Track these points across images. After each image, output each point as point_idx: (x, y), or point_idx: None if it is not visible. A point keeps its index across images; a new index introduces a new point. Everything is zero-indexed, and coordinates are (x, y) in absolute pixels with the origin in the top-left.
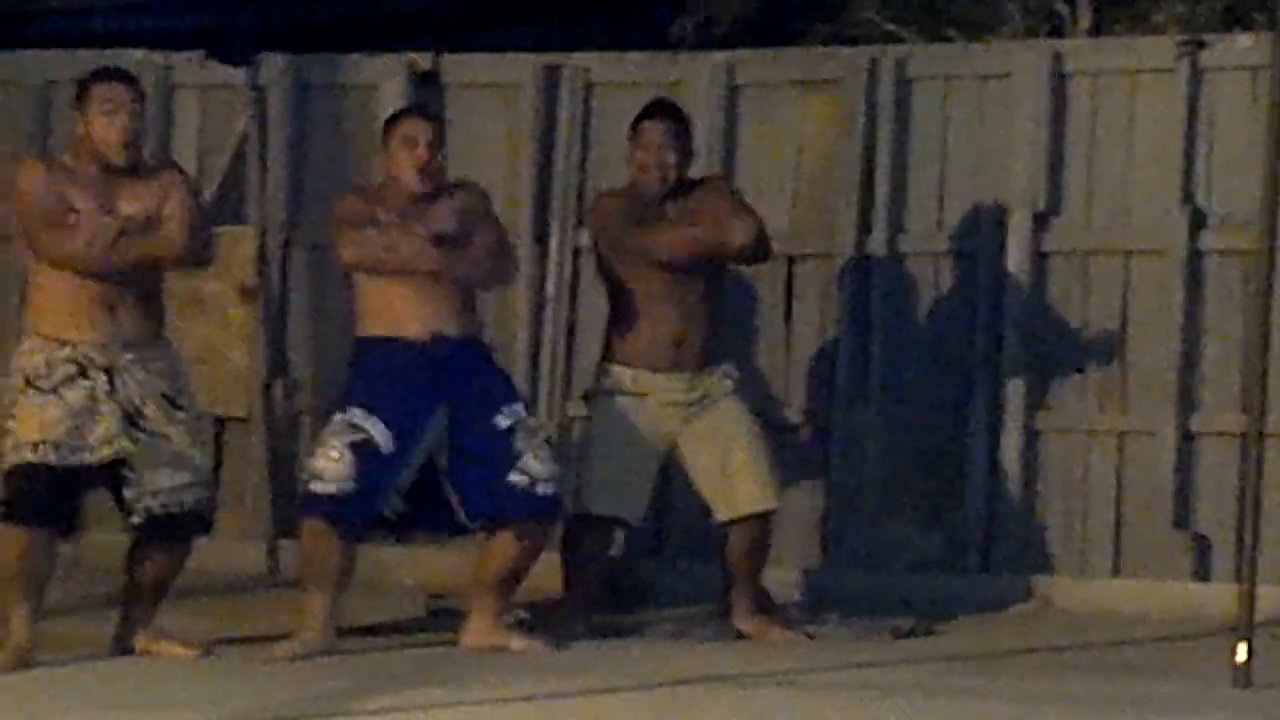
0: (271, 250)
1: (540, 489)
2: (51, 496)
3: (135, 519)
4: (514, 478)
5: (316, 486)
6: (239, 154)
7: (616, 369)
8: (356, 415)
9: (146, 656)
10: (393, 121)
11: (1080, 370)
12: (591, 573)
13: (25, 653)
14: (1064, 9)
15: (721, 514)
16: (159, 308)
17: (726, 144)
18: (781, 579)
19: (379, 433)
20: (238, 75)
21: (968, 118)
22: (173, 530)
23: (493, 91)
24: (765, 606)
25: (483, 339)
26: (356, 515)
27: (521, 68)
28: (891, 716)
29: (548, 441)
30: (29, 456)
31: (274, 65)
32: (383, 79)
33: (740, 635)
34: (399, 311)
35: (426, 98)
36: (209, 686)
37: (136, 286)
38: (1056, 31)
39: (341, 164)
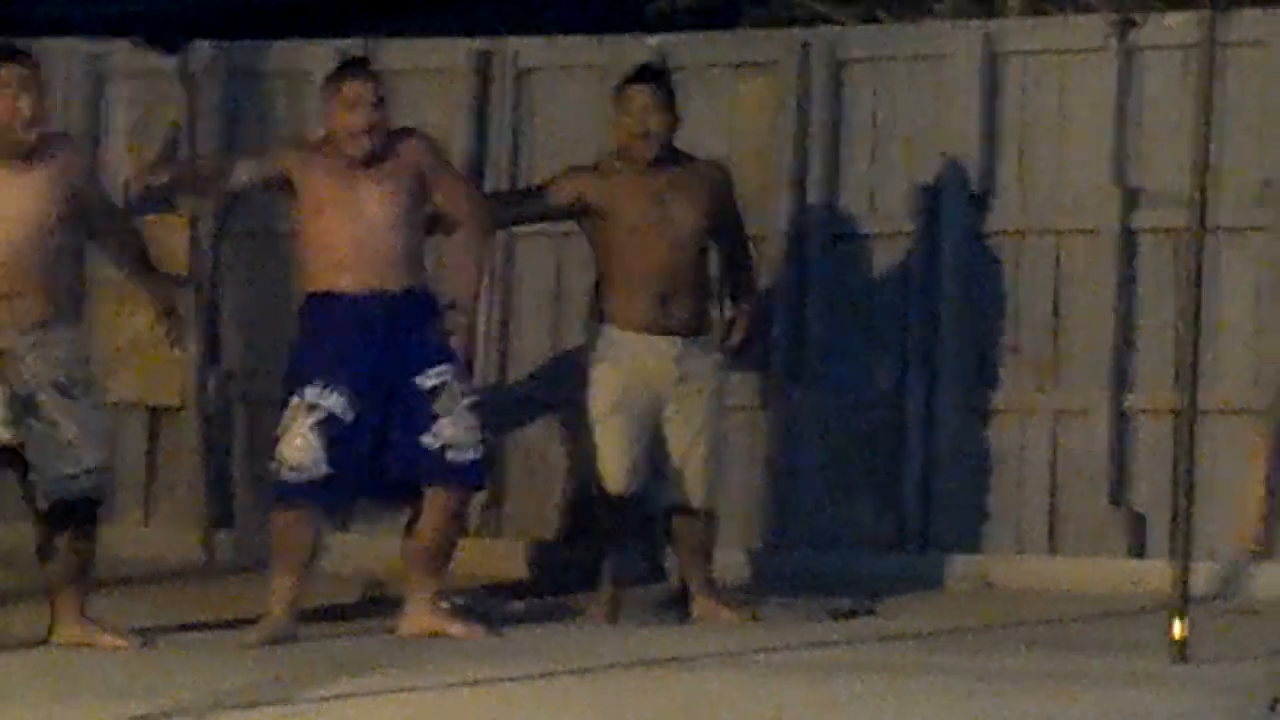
0: (203, 239)
1: (452, 455)
2: None
3: (40, 506)
4: (427, 440)
5: (290, 475)
6: (169, 141)
7: (609, 330)
8: (311, 393)
9: (83, 647)
10: (334, 80)
11: (1016, 350)
12: (617, 553)
13: None
14: None
15: (674, 498)
16: (66, 294)
17: None
18: (725, 560)
19: (338, 405)
20: (169, 62)
21: (901, 99)
22: (69, 518)
23: (426, 76)
24: (714, 588)
25: (429, 292)
26: (333, 497)
27: (455, 52)
28: (834, 695)
29: (474, 409)
30: None
31: (205, 52)
32: (315, 66)
33: (690, 616)
34: (342, 266)
35: None
36: (149, 676)
37: (39, 273)
38: (989, 12)
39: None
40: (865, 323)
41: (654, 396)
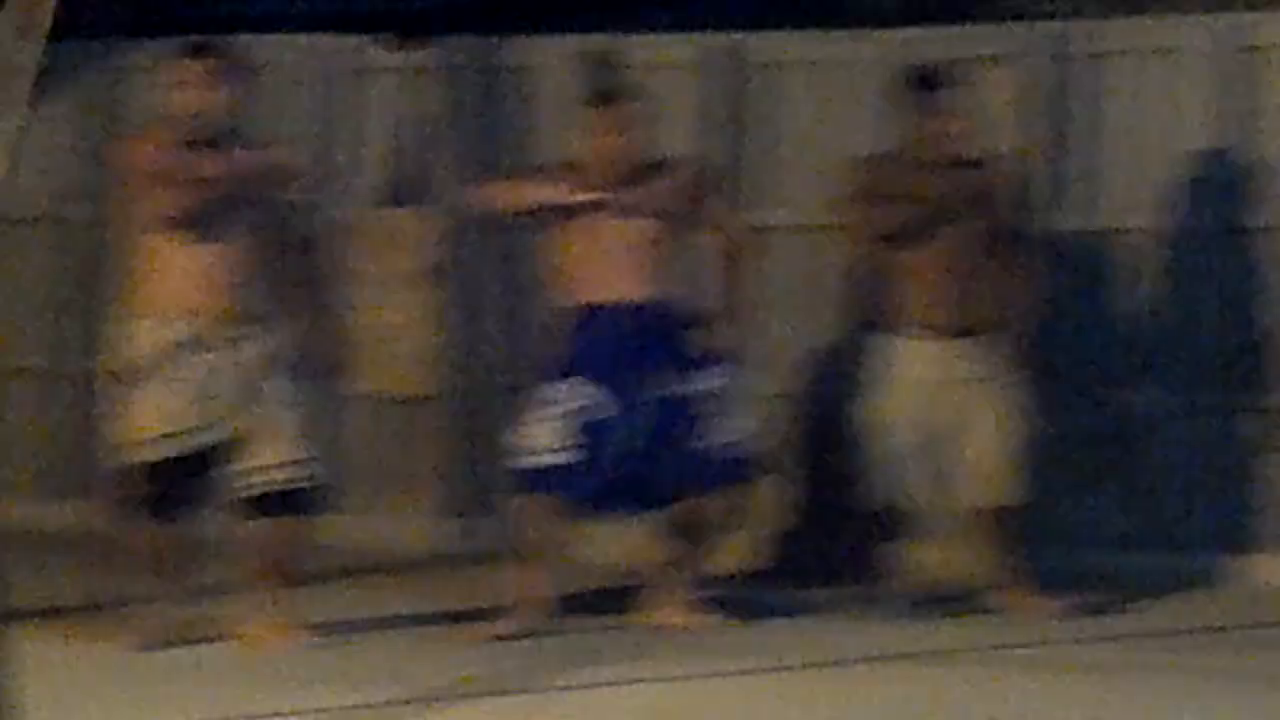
0: (455, 230)
1: (728, 453)
2: (176, 487)
3: (237, 495)
4: (700, 444)
5: (535, 461)
6: (422, 136)
7: (893, 338)
8: (569, 384)
9: (275, 641)
10: (591, 104)
11: (1259, 344)
12: (878, 559)
13: (170, 632)
14: None
15: (979, 498)
16: (280, 280)
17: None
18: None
19: (594, 401)
20: (422, 59)
21: (1134, 93)
22: (279, 510)
23: (661, 72)
24: (1022, 579)
25: (688, 303)
26: (578, 487)
27: (690, 48)
28: (1077, 693)
29: (740, 402)
30: (150, 452)
31: (462, 48)
32: (551, 61)
33: (998, 607)
34: (606, 276)
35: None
36: (395, 664)
37: (258, 265)
38: (1226, 5)
39: (529, 144)
40: (1108, 318)
41: (942, 403)
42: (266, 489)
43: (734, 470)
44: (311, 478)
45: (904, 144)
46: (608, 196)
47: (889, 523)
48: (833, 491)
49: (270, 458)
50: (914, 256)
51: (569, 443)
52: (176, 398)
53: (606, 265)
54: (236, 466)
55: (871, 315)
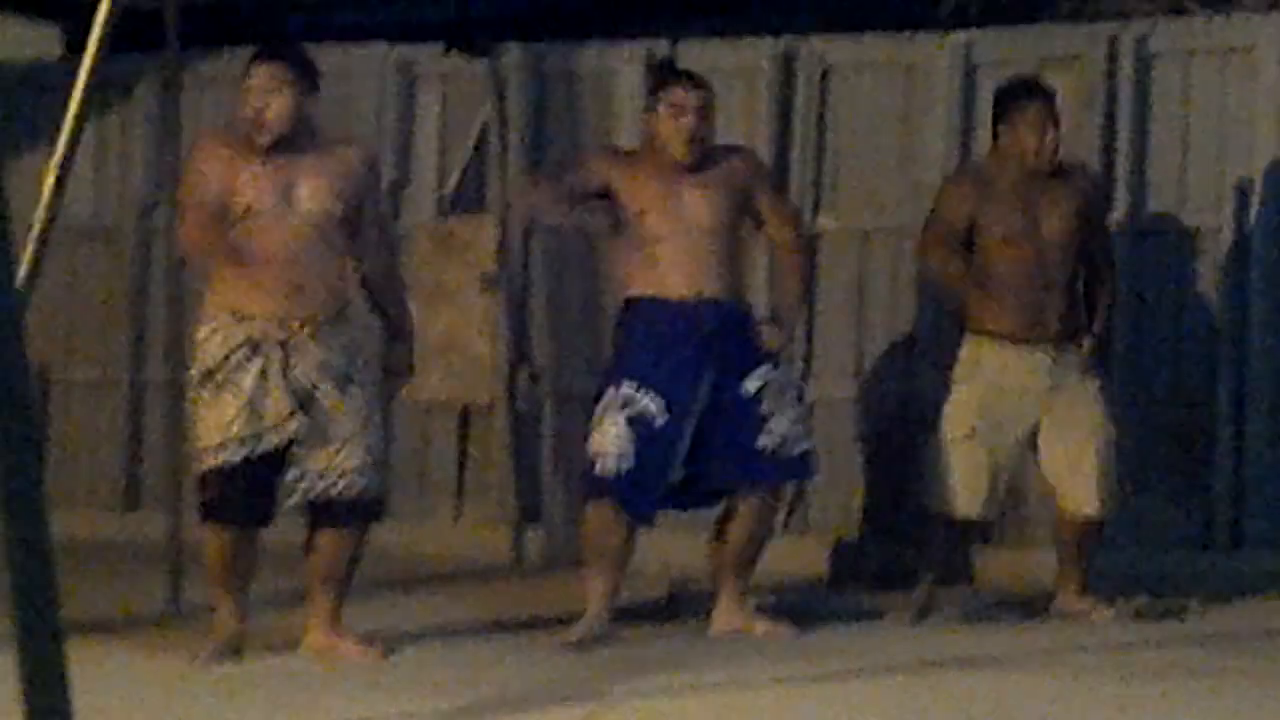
0: (512, 238)
1: (786, 450)
2: (244, 493)
3: (293, 500)
4: (762, 441)
5: (598, 468)
6: (479, 143)
7: (977, 341)
8: (628, 388)
9: (331, 655)
10: (660, 86)
11: None
12: (941, 566)
13: (235, 643)
14: None
15: (1068, 507)
16: (342, 292)
17: (964, 123)
18: (1035, 559)
19: (654, 405)
20: (478, 66)
21: (1209, 91)
22: (338, 516)
23: (730, 76)
24: (1086, 588)
25: (746, 302)
26: (641, 494)
27: (758, 52)
28: (1139, 697)
29: (799, 399)
30: (215, 460)
31: (513, 55)
32: (620, 66)
33: (1064, 615)
34: (664, 271)
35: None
36: (451, 673)
37: (320, 261)
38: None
39: (581, 151)
40: (1172, 318)
41: (1023, 414)
42: (329, 496)
43: (790, 469)
44: (378, 484)
45: (996, 153)
46: (677, 183)
47: (959, 527)
48: (896, 496)
49: (332, 463)
50: (1003, 263)
51: (633, 449)
52: (232, 408)
53: (670, 259)
54: (297, 471)
55: (957, 319)
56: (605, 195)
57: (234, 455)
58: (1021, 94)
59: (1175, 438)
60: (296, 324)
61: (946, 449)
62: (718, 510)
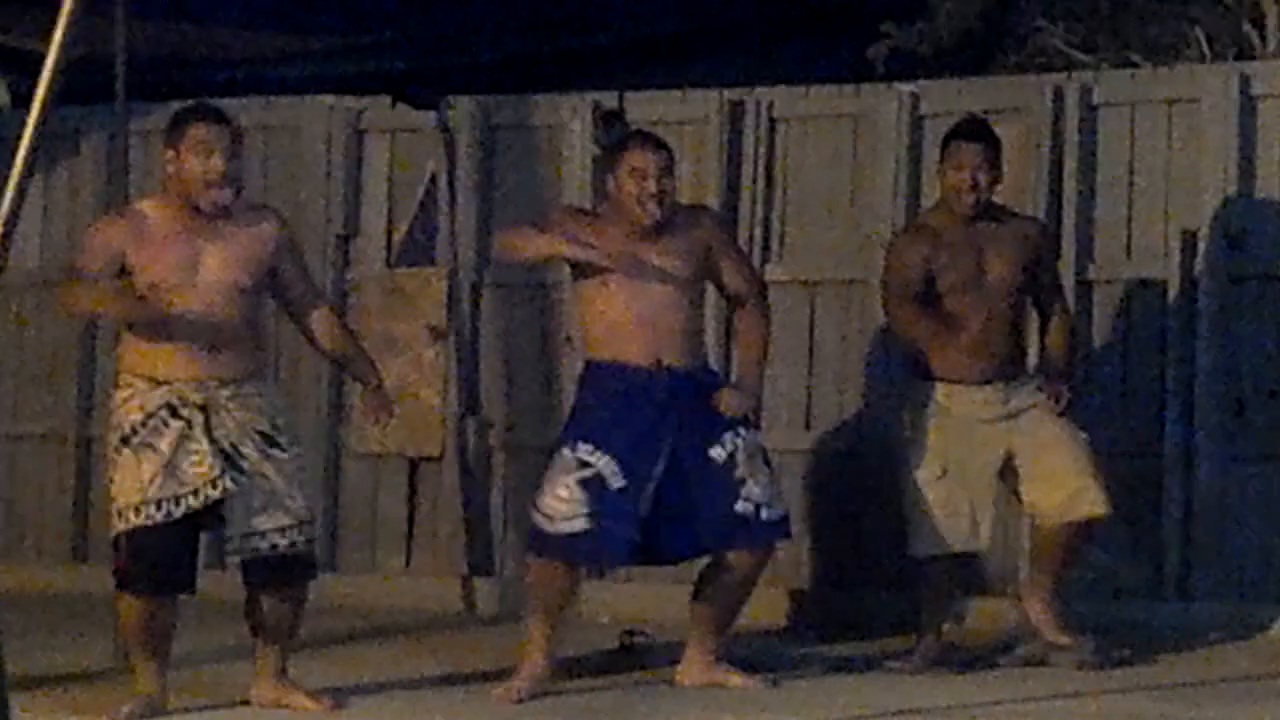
0: (461, 290)
1: (765, 514)
2: (161, 560)
3: (233, 560)
4: (740, 507)
5: (548, 526)
6: (428, 196)
7: (930, 386)
8: (584, 451)
9: (280, 709)
10: (623, 149)
11: (1274, 394)
12: (943, 611)
13: (156, 702)
14: (1251, 31)
15: (1072, 516)
16: (261, 344)
17: (911, 173)
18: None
19: (608, 468)
20: (426, 118)
21: (1155, 142)
22: (275, 575)
23: (678, 128)
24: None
25: (710, 367)
26: (590, 553)
27: (706, 103)
28: None
29: (766, 462)
30: (132, 521)
31: (461, 108)
32: (568, 119)
33: (1062, 648)
34: (626, 336)
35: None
36: None
37: (236, 323)
38: (1243, 54)
39: (529, 204)
40: (1119, 369)
41: (989, 444)
42: (258, 556)
43: (772, 531)
44: (309, 541)
45: (941, 198)
46: (640, 247)
47: (935, 572)
48: (859, 546)
49: (257, 524)
50: (952, 308)
51: (585, 511)
52: (151, 467)
53: (632, 324)
54: (232, 531)
55: (911, 366)
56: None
57: (151, 517)
58: (960, 133)
59: (1124, 488)
60: (215, 384)
61: (923, 493)
62: (688, 566)
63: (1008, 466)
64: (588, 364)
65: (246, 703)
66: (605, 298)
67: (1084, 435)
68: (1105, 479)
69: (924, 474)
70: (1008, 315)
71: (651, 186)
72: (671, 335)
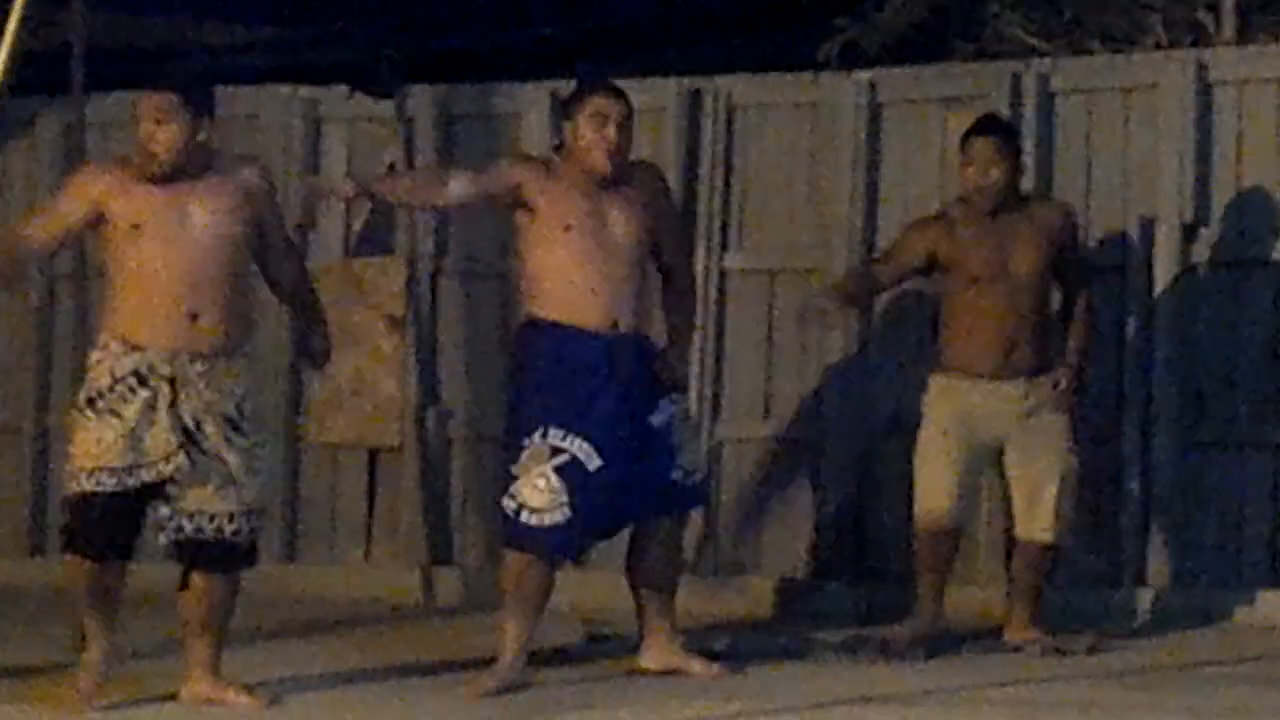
0: (420, 280)
1: (691, 480)
2: (109, 526)
3: (163, 539)
4: (675, 473)
5: (528, 519)
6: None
7: (947, 379)
8: (555, 435)
9: (212, 705)
10: (581, 95)
11: (1233, 382)
12: (937, 589)
13: (107, 662)
14: (1207, 18)
15: (1021, 533)
16: (242, 321)
17: (870, 161)
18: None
19: (581, 450)
20: (385, 108)
21: (1112, 130)
22: (214, 559)
23: (637, 115)
24: (1036, 621)
25: (651, 336)
26: (570, 543)
27: (664, 92)
28: None
29: (697, 429)
30: (85, 485)
31: (420, 97)
32: (527, 108)
33: (1016, 649)
34: (580, 294)
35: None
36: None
37: (217, 287)
38: (1200, 41)
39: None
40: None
41: (993, 426)
42: (199, 538)
43: (695, 496)
44: (253, 531)
45: (961, 192)
46: (597, 199)
47: (931, 547)
48: (816, 535)
49: (206, 505)
50: (973, 301)
51: (567, 500)
52: (111, 434)
53: (588, 281)
54: (168, 510)
55: (934, 359)
56: (513, 203)
57: (105, 484)
58: (975, 130)
59: (1082, 476)
60: (187, 359)
61: (922, 455)
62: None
63: (999, 454)
64: (532, 322)
65: (174, 697)
66: (559, 252)
67: (1075, 463)
68: (1068, 517)
69: (924, 440)
70: (1034, 309)
71: (611, 133)
72: (625, 298)
